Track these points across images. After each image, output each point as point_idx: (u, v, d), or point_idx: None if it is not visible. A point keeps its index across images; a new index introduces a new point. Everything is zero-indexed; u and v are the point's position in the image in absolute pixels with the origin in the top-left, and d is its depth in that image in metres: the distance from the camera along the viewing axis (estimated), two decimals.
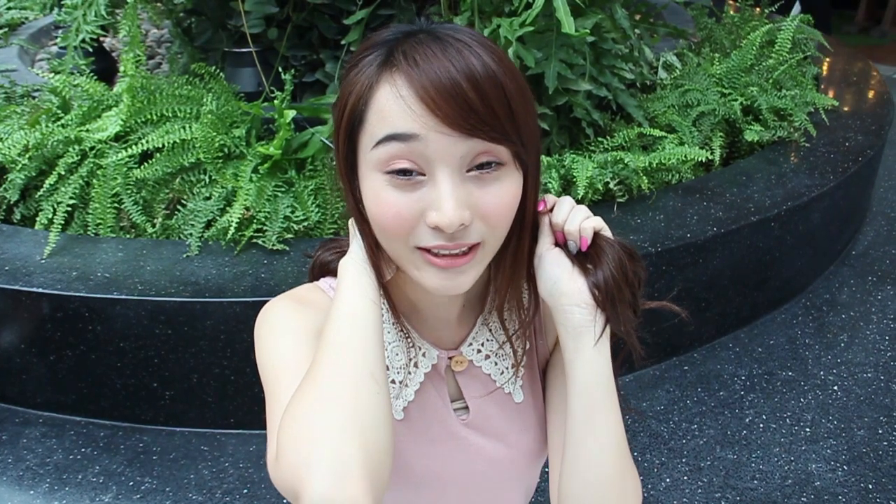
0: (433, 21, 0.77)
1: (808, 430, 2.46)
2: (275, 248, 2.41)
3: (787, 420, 2.49)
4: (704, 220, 2.63)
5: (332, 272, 0.87)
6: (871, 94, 3.84)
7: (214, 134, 2.54)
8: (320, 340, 0.75)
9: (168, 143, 2.53)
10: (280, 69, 2.86)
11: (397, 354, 0.90)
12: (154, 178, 2.55)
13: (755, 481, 2.27)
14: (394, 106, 0.71)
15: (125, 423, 2.44)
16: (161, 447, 2.37)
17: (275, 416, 0.75)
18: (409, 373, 0.90)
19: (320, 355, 0.73)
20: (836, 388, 2.63)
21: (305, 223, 2.50)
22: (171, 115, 2.67)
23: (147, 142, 2.53)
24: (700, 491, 2.23)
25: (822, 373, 2.69)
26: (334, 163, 0.82)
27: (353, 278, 0.79)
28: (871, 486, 2.27)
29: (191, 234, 2.45)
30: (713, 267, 2.65)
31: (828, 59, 4.19)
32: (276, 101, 2.62)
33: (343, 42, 3.00)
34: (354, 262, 0.81)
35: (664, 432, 2.45)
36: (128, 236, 2.54)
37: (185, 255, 2.39)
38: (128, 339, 2.28)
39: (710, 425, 2.47)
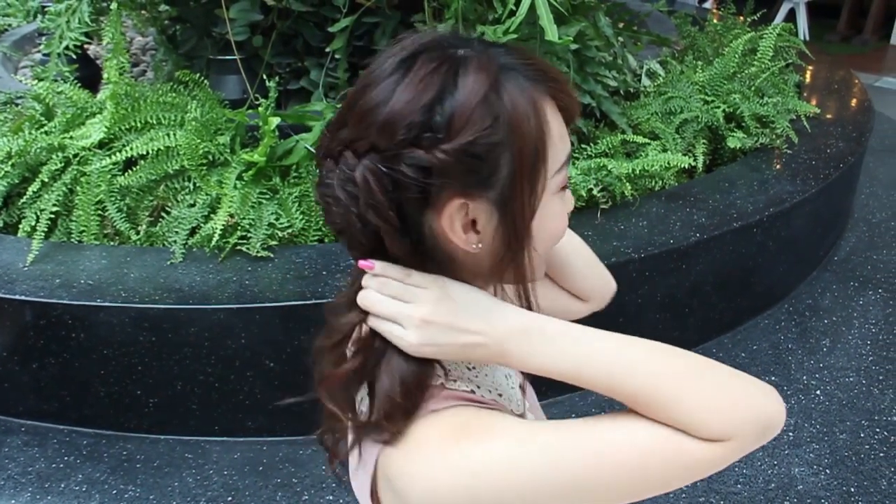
0: (474, 36, 0.78)
1: (790, 434, 2.47)
2: (259, 255, 2.41)
3: None
4: (687, 226, 2.65)
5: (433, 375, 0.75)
6: (852, 102, 3.89)
7: (199, 141, 2.53)
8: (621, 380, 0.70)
9: (152, 150, 2.53)
10: (265, 77, 2.86)
11: (512, 387, 0.85)
12: (138, 185, 2.55)
13: (739, 485, 2.28)
14: (562, 127, 0.74)
15: (109, 430, 2.43)
16: (145, 455, 2.36)
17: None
18: (520, 400, 0.86)
19: (630, 363, 0.70)
20: (818, 392, 2.65)
21: (290, 230, 2.50)
22: (155, 122, 2.66)
23: (131, 149, 2.52)
24: (684, 495, 2.24)
25: (804, 377, 2.71)
26: (506, 217, 0.71)
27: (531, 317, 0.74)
28: (853, 490, 2.28)
29: (175, 242, 2.44)
30: (696, 273, 2.67)
31: (809, 68, 4.23)
32: (260, 109, 2.62)
33: (327, 50, 3.00)
34: (518, 310, 0.74)
35: None
36: (111, 243, 2.53)
37: (168, 262, 2.38)
38: (111, 346, 2.27)
39: None
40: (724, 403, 0.68)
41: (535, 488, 0.65)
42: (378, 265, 0.73)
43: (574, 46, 2.69)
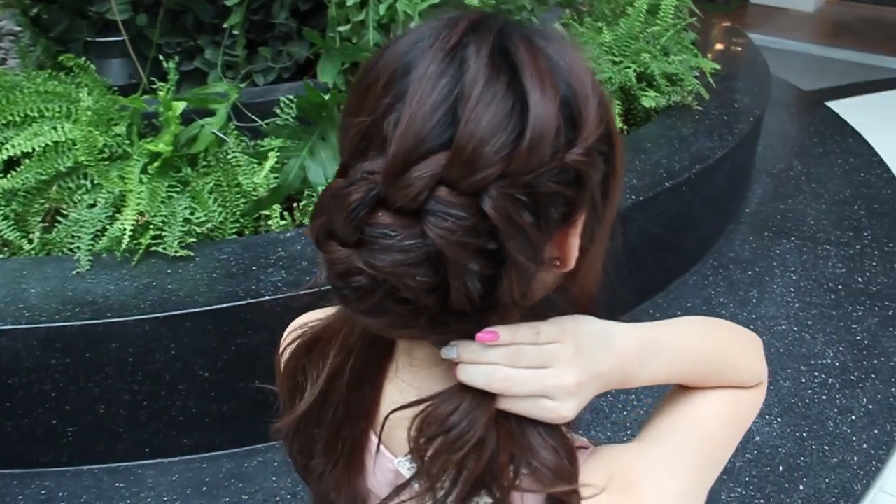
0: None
1: None
2: (178, 254, 2.17)
3: None
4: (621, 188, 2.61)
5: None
6: (746, 57, 3.98)
7: (95, 133, 2.25)
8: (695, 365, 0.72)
9: (38, 146, 2.23)
10: (158, 57, 2.59)
11: None
12: (25, 187, 2.24)
13: None
14: None
15: (20, 469, 2.14)
16: (68, 491, 2.09)
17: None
18: None
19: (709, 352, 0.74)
20: None
21: (208, 224, 2.27)
22: (37, 114, 2.35)
23: (11, 147, 2.22)
24: None
25: None
26: (605, 211, 0.64)
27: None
28: (805, 434, 2.33)
29: (78, 248, 2.16)
30: (632, 236, 2.64)
31: (698, 26, 4.30)
32: (160, 93, 2.37)
33: (224, 25, 2.75)
34: (626, 329, 0.69)
35: (604, 406, 2.42)
36: (1, 256, 2.22)
37: (74, 272, 2.11)
38: (17, 374, 1.98)
39: (646, 394, 2.46)
40: (753, 355, 0.78)
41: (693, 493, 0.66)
42: (504, 332, 0.57)
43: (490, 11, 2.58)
